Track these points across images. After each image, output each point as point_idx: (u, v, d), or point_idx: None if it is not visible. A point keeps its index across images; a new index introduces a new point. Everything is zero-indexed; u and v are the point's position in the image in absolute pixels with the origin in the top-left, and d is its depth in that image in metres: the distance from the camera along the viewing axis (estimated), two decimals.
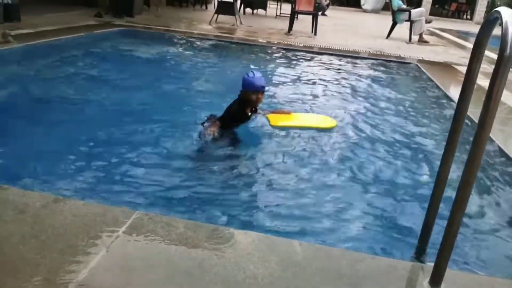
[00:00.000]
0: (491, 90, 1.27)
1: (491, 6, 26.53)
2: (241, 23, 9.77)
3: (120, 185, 2.28)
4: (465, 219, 2.21)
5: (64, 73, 4.46)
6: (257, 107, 3.28)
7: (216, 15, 9.48)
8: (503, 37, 1.24)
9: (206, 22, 9.48)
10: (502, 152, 3.15)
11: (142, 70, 5.07)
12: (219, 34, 8.13)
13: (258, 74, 3.14)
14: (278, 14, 12.65)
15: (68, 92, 3.86)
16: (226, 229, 1.71)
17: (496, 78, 1.25)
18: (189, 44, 7.07)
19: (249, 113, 3.21)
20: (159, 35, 7.46)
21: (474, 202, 2.44)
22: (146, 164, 2.57)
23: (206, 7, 13.45)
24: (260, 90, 3.11)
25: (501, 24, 1.28)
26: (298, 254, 1.62)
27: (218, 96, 4.30)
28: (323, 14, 15.04)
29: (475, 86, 1.52)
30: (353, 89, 5.04)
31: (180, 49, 6.67)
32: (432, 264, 1.50)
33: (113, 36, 6.98)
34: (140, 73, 4.92)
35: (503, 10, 1.31)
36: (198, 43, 7.22)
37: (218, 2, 9.57)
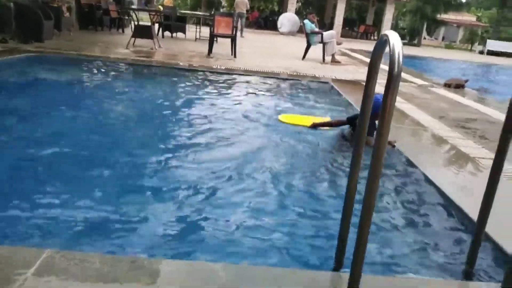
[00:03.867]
0: (385, 103, 1.39)
1: (395, 27, 29.27)
2: (159, 47, 9.68)
3: (27, 223, 2.09)
4: (377, 224, 2.35)
5: None
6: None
7: (133, 39, 9.30)
8: (391, 57, 1.37)
9: (123, 46, 9.26)
10: (409, 162, 3.44)
11: (51, 98, 4.77)
12: (137, 58, 7.97)
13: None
14: (198, 37, 12.76)
15: None
16: (145, 260, 1.65)
17: (388, 94, 1.37)
18: (104, 69, 6.82)
19: None
20: (71, 60, 7.11)
21: (383, 208, 2.62)
22: (55, 198, 2.38)
23: (123, 31, 13.15)
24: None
25: (389, 47, 1.41)
26: (221, 277, 1.61)
27: (137, 122, 4.20)
28: (240, 36, 15.46)
29: None
30: (273, 107, 5.21)
31: (94, 75, 6.42)
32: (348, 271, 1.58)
33: (20, 62, 6.51)
34: (49, 101, 4.62)
35: (390, 34, 1.45)
36: (114, 67, 7.00)
37: (135, 25, 9.41)
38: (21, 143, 3.25)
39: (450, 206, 2.66)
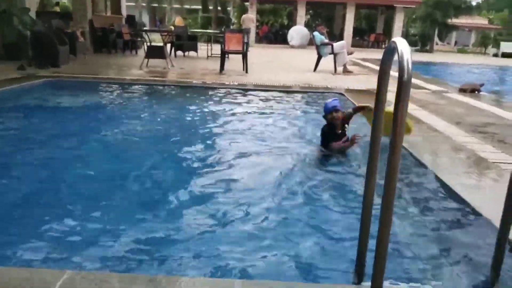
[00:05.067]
0: (396, 110, 1.38)
1: (406, 34, 29.14)
2: (172, 66, 9.84)
3: (47, 245, 2.12)
4: (395, 235, 2.31)
5: None
6: (345, 125, 3.88)
7: (146, 60, 9.48)
8: (400, 64, 1.36)
9: (136, 67, 9.44)
10: (426, 168, 3.39)
11: (69, 121, 4.88)
12: (151, 78, 8.11)
13: (329, 100, 3.88)
14: (210, 55, 12.92)
15: None
16: (163, 278, 1.65)
17: (399, 100, 1.36)
18: (120, 90, 6.96)
19: (339, 131, 3.81)
20: (87, 83, 7.28)
21: (402, 218, 2.57)
22: (75, 217, 2.42)
23: (136, 52, 13.42)
24: (331, 110, 3.73)
25: (397, 53, 1.41)
26: None
27: (156, 140, 4.25)
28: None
29: None
30: (289, 120, 5.22)
31: (111, 96, 6.54)
32: (369, 283, 1.55)
33: (38, 88, 6.69)
34: (68, 124, 4.73)
35: (398, 41, 1.44)
36: (129, 88, 7.13)
37: (147, 46, 9.60)
38: (39, 165, 3.32)
39: (470, 213, 2.60)
